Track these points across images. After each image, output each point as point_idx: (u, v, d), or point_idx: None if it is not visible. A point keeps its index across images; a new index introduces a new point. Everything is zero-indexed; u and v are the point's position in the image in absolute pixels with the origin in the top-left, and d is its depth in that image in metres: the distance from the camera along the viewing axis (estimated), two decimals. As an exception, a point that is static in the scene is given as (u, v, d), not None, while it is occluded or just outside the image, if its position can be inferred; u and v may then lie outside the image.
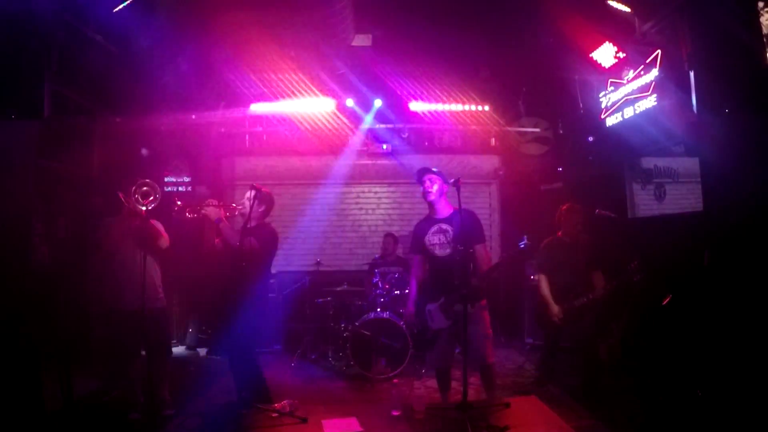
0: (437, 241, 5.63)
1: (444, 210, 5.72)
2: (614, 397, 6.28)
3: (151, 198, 5.68)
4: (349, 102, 9.89)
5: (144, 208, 5.64)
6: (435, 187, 5.63)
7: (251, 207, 5.81)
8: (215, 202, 5.87)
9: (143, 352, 5.94)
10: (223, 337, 6.02)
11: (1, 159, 5.57)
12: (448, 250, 5.57)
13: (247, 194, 6.05)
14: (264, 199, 6.07)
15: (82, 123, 7.59)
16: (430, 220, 5.77)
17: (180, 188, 9.87)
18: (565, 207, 6.70)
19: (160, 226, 6.05)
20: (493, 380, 5.83)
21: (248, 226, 5.71)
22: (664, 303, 6.33)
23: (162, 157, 9.81)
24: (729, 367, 5.28)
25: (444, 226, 5.63)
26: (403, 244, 9.20)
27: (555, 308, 6.38)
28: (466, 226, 5.51)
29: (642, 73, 6.81)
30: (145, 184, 5.70)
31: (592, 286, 6.35)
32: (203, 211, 5.78)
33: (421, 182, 5.70)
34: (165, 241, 6.01)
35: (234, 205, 6.12)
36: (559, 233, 6.71)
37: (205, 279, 8.05)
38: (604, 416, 5.80)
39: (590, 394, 6.30)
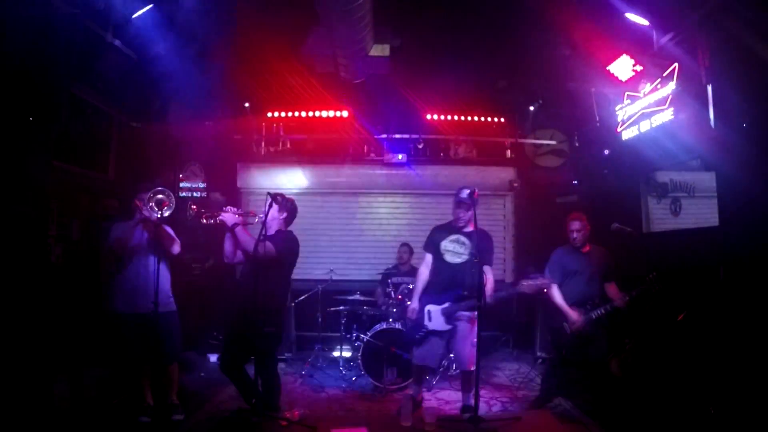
0: (452, 248, 6.12)
1: (467, 226, 6.18)
2: (627, 413, 6.23)
3: (166, 206, 5.73)
4: (355, 117, 10.06)
5: (158, 215, 5.69)
6: (468, 215, 6.12)
7: (266, 214, 5.74)
8: (233, 209, 5.80)
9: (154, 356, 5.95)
10: (242, 344, 5.88)
11: (19, 161, 5.61)
12: (458, 260, 6.07)
13: (267, 201, 5.99)
14: (286, 206, 6.01)
15: (100, 127, 7.65)
16: (450, 228, 6.25)
17: (195, 194, 9.94)
18: (569, 216, 6.66)
19: (171, 231, 6.07)
20: (471, 384, 6.00)
21: (265, 233, 5.58)
22: (680, 319, 6.27)
23: (178, 163, 9.88)
24: (743, 385, 5.22)
25: (463, 238, 6.10)
26: (418, 254, 9.16)
27: (574, 315, 6.28)
28: (483, 246, 5.99)
29: (659, 86, 6.77)
30: (161, 192, 5.75)
31: (608, 298, 6.32)
32: (219, 218, 5.72)
33: (458, 208, 6.18)
34: (177, 246, 6.03)
35: (252, 211, 6.08)
36: (571, 243, 6.66)
37: (219, 285, 8.09)
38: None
39: (602, 409, 6.25)
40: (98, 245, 6.53)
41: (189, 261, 8.40)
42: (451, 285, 6.07)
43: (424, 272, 6.37)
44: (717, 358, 5.60)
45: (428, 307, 6.14)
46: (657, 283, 6.04)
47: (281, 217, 5.98)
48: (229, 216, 5.66)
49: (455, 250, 6.11)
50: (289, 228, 6.15)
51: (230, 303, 5.86)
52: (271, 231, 5.80)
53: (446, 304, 6.05)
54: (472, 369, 5.80)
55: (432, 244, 6.30)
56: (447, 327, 6.05)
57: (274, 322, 5.69)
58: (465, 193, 6.03)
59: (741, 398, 5.21)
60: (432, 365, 6.32)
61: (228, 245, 5.86)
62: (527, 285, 6.17)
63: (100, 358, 6.73)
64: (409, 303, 7.65)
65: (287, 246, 5.86)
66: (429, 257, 6.35)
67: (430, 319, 6.11)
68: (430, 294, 6.23)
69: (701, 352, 5.88)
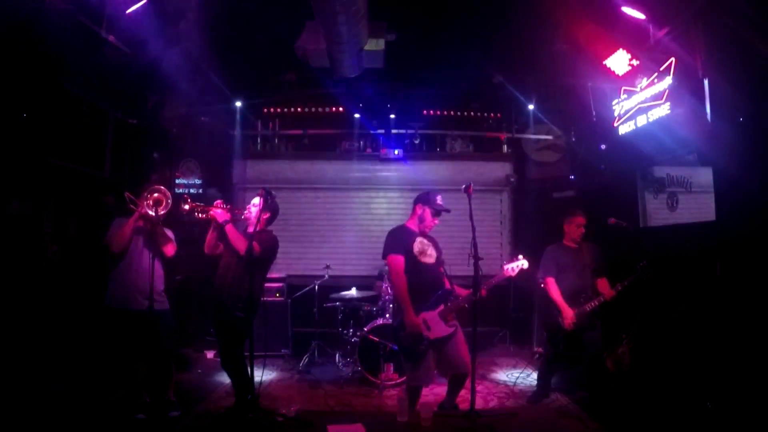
0: (424, 249, 5.87)
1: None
2: (623, 407, 6.23)
3: (163, 205, 5.77)
4: (351, 113, 10.21)
5: (155, 213, 5.71)
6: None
7: (260, 209, 5.83)
8: (221, 204, 5.88)
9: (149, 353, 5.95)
10: (219, 339, 6.06)
11: (13, 158, 5.60)
12: (432, 261, 5.85)
13: (254, 200, 6.08)
14: (271, 206, 6.06)
15: (95, 123, 7.62)
16: (413, 231, 5.97)
17: (191, 190, 9.90)
18: (571, 217, 6.72)
19: (170, 234, 6.08)
20: (464, 383, 5.88)
21: (250, 231, 5.78)
22: (676, 314, 6.28)
23: (174, 159, 9.85)
24: (739, 379, 5.22)
25: (426, 240, 5.94)
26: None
27: (569, 311, 6.34)
28: (439, 246, 6.06)
29: (655, 80, 6.75)
30: (158, 191, 5.77)
31: (598, 292, 6.36)
32: (210, 213, 5.79)
33: (438, 216, 5.96)
34: (172, 248, 6.04)
35: (238, 210, 6.10)
36: (564, 240, 6.73)
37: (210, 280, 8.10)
38: (613, 427, 5.75)
39: (598, 404, 6.26)
40: (96, 242, 6.51)
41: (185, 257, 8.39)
42: (435, 286, 5.80)
43: (402, 276, 5.69)
44: (713, 353, 5.60)
45: (422, 315, 5.63)
46: (648, 271, 6.06)
47: (264, 217, 6.03)
48: (220, 213, 5.77)
49: (428, 251, 5.87)
50: (280, 223, 6.25)
51: (213, 295, 5.92)
52: (255, 229, 5.91)
53: (441, 307, 5.74)
54: (469, 371, 5.66)
55: (402, 246, 5.77)
56: (449, 330, 5.71)
57: (246, 309, 5.70)
58: (442, 200, 5.93)
59: (737, 393, 5.22)
60: (430, 383, 5.94)
61: (211, 237, 5.98)
62: (510, 268, 6.06)
63: (96, 356, 6.71)
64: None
65: (269, 245, 5.97)
66: (401, 260, 5.71)
67: (429, 328, 5.62)
68: (413, 301, 5.63)
69: (698, 346, 5.89)
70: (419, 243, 5.84)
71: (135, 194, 5.92)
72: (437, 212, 5.91)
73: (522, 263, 6.02)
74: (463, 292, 5.86)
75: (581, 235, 6.64)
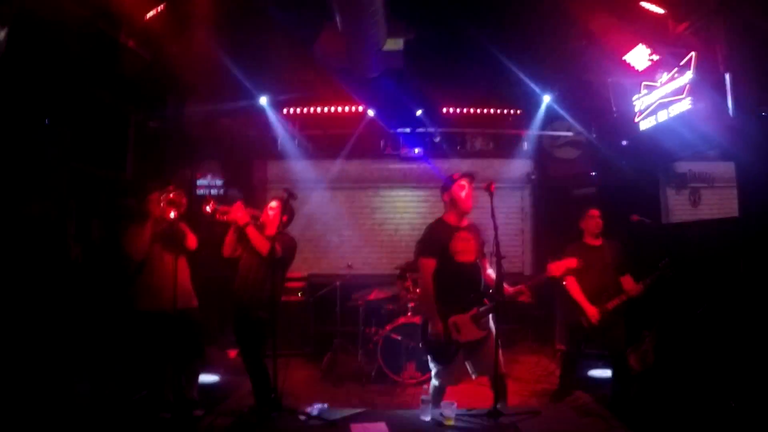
0: (462, 247, 5.44)
1: (465, 219, 5.63)
2: (646, 405, 6.19)
3: (178, 204, 5.81)
4: (371, 112, 10.19)
5: (172, 214, 5.75)
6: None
7: (276, 215, 5.89)
8: (241, 205, 5.90)
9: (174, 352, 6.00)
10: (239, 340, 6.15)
11: (37, 162, 5.67)
12: (470, 258, 5.47)
13: (271, 203, 6.12)
14: (289, 209, 6.07)
15: (116, 127, 7.70)
16: (450, 227, 5.56)
17: (212, 191, 9.99)
18: (585, 212, 6.71)
19: (186, 228, 6.13)
20: (505, 388, 5.61)
21: (268, 233, 5.83)
22: (699, 311, 6.22)
23: (195, 160, 9.92)
24: (764, 378, 5.17)
25: (465, 234, 5.50)
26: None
27: (592, 309, 6.29)
28: (480, 239, 5.59)
29: (676, 75, 6.69)
30: (172, 191, 5.81)
31: (623, 289, 6.29)
32: (231, 215, 5.81)
33: (461, 187, 5.52)
34: (192, 240, 6.08)
35: (257, 212, 6.11)
36: (584, 239, 6.69)
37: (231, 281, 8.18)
38: (635, 425, 5.71)
39: (622, 402, 6.22)
40: (118, 244, 6.59)
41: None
42: (471, 287, 5.49)
43: (429, 282, 5.39)
44: (737, 351, 5.54)
45: (452, 318, 5.33)
46: (670, 269, 6.00)
47: (283, 220, 6.04)
48: (241, 214, 5.78)
49: (467, 248, 5.42)
50: (300, 223, 6.26)
51: (233, 296, 5.97)
52: (271, 231, 5.94)
53: (474, 310, 5.39)
54: (506, 371, 5.52)
55: (436, 247, 5.42)
56: (482, 334, 5.40)
57: (267, 310, 5.69)
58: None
59: (762, 392, 5.16)
60: (456, 384, 5.69)
61: (231, 239, 6.00)
62: (555, 266, 5.85)
63: (120, 355, 6.78)
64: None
65: (289, 246, 6.02)
66: (432, 264, 5.39)
67: (458, 330, 5.32)
68: (446, 303, 5.37)
69: (721, 344, 5.83)
70: (458, 240, 5.42)
71: (150, 196, 5.97)
72: (460, 185, 5.53)
73: (569, 261, 5.68)
74: (509, 290, 5.44)
75: (600, 227, 6.57)
